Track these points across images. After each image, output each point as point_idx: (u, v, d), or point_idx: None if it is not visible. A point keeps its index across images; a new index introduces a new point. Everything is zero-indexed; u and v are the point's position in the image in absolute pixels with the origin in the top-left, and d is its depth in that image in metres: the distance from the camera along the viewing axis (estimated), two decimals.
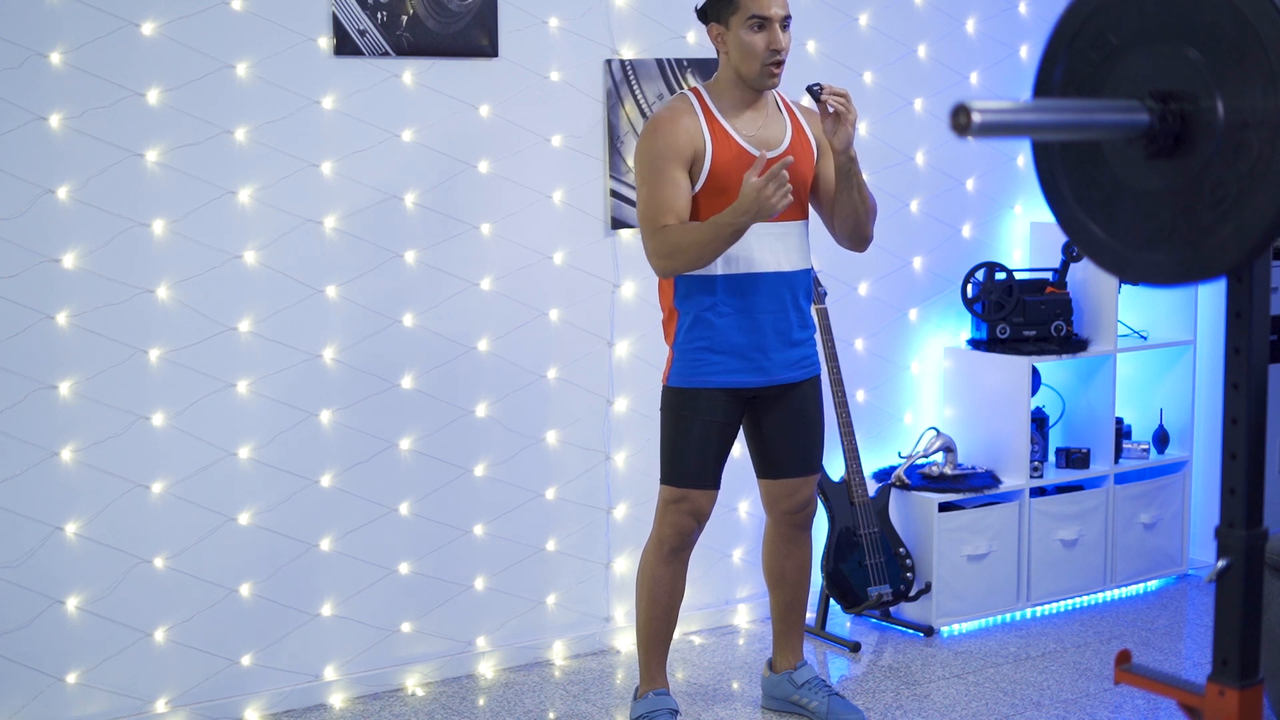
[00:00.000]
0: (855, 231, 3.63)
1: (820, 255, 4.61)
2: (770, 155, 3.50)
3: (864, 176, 3.58)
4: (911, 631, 4.57)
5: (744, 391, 3.61)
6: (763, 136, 3.55)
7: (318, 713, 3.97)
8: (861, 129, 4.73)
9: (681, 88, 4.37)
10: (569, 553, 4.37)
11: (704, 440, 3.59)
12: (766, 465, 3.75)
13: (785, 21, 3.48)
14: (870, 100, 4.74)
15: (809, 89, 3.48)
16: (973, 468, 4.75)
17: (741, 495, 4.59)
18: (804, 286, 3.65)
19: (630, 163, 4.29)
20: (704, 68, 4.38)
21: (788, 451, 3.71)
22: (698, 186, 3.50)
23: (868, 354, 4.84)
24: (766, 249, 3.54)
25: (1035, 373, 4.75)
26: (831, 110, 3.45)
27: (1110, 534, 4.91)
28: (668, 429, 3.63)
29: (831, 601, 4.55)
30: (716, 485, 3.65)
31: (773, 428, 3.69)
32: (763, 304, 3.56)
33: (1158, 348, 5.02)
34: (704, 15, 3.57)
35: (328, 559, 4.01)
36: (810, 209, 3.72)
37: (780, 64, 3.49)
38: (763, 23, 3.45)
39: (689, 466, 3.60)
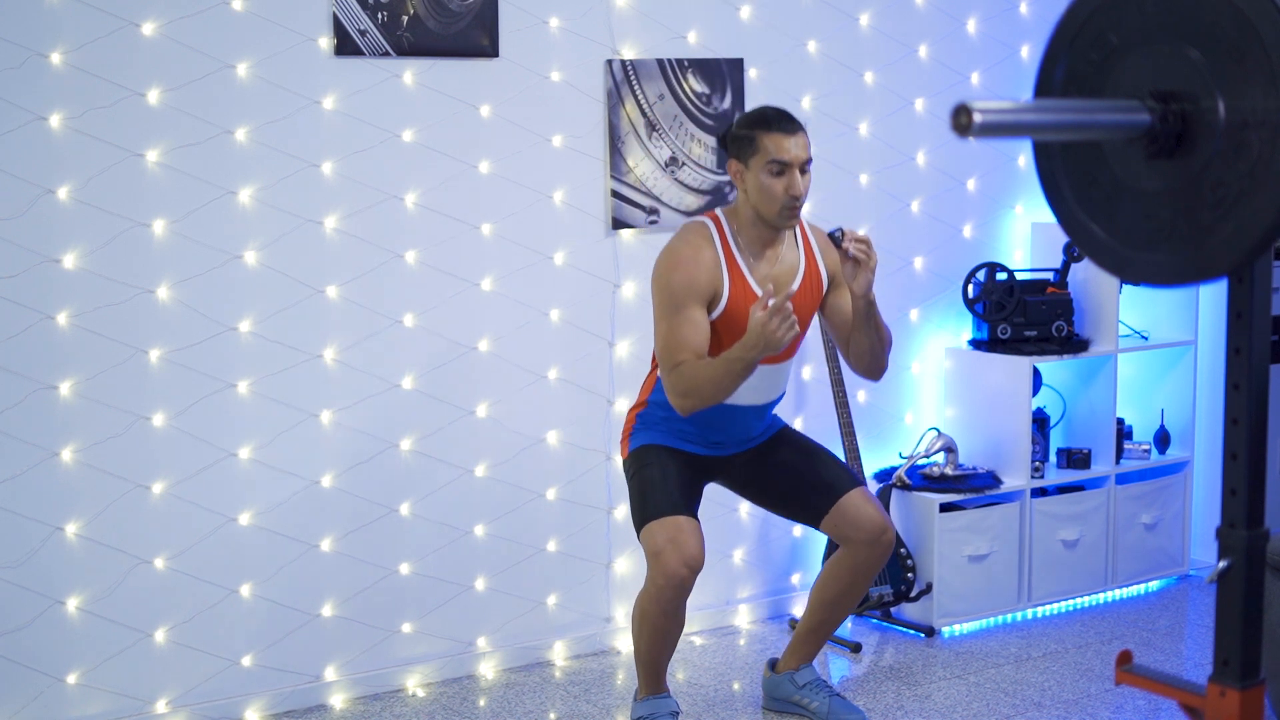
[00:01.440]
0: (870, 366, 3.63)
1: None
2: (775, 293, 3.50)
3: (882, 318, 3.59)
4: (912, 632, 4.56)
5: (705, 459, 3.66)
6: (776, 275, 3.55)
7: (318, 713, 3.97)
8: (862, 129, 4.73)
9: (681, 88, 4.37)
10: (569, 553, 4.36)
11: (675, 475, 3.57)
12: (811, 504, 3.70)
13: (805, 165, 3.48)
14: (870, 100, 4.74)
15: (830, 235, 3.48)
16: (974, 468, 4.74)
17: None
18: (776, 405, 3.72)
19: (631, 162, 4.29)
20: (704, 67, 4.38)
21: (815, 477, 3.69)
22: (713, 316, 3.52)
23: None
24: (751, 386, 3.54)
25: (1036, 373, 4.74)
26: (852, 256, 3.45)
27: (1111, 534, 4.91)
28: (635, 483, 3.60)
29: None
30: (694, 514, 3.55)
31: (780, 473, 3.71)
32: (734, 425, 3.64)
33: (1159, 348, 5.02)
34: (723, 145, 3.59)
35: (328, 559, 4.01)
36: (808, 338, 3.75)
37: (799, 206, 3.49)
38: (783, 168, 3.45)
39: (661, 498, 3.53)
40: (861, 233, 3.49)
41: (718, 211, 3.61)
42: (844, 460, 4.44)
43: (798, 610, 4.69)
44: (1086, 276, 4.88)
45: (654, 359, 3.67)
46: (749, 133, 3.47)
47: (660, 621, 3.56)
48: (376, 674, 4.09)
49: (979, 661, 4.33)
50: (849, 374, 4.59)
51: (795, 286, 3.56)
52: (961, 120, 1.65)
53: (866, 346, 3.57)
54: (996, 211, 5.06)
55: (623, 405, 4.39)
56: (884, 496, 4.54)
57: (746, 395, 3.56)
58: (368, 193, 3.97)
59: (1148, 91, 1.84)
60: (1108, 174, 1.93)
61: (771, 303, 3.25)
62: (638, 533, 3.55)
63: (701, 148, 4.42)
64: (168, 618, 3.81)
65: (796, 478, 3.71)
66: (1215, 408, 5.04)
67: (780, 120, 3.46)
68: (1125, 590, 4.98)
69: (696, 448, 3.64)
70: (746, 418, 3.65)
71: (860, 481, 3.75)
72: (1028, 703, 3.99)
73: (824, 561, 4.17)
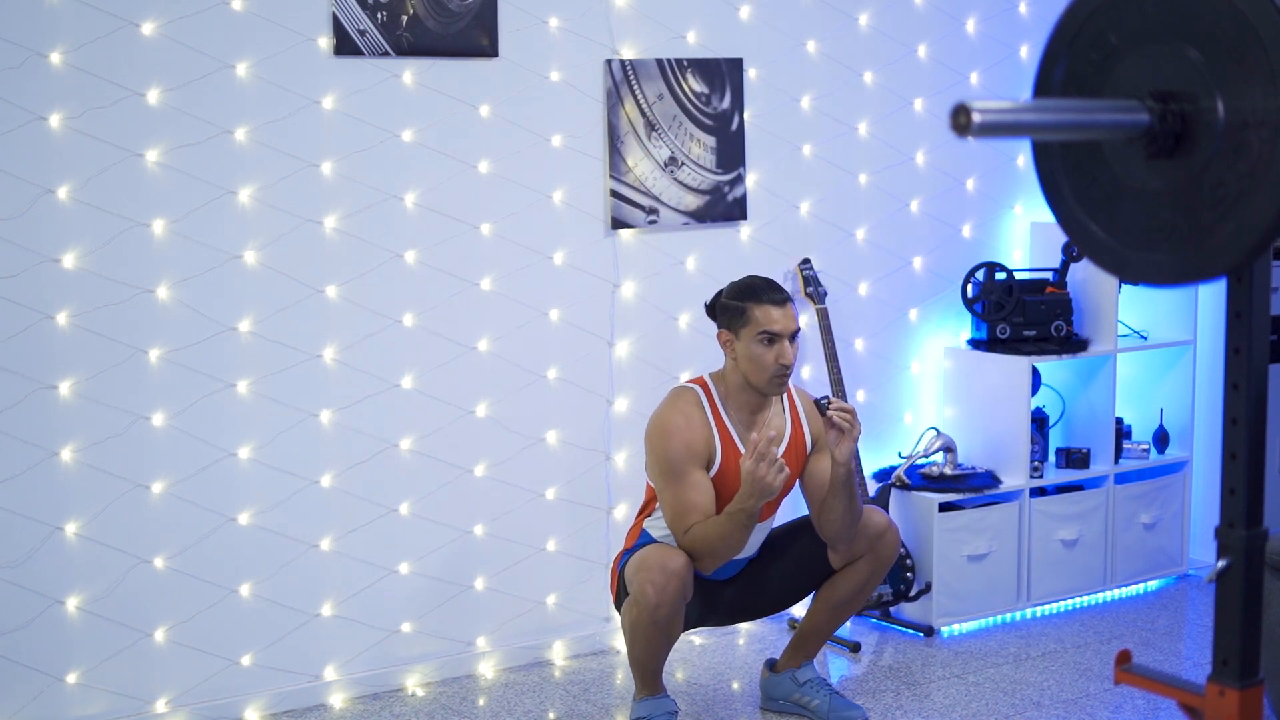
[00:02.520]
0: (838, 533, 3.66)
1: (820, 255, 4.62)
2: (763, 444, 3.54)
3: (856, 486, 3.62)
4: (912, 631, 4.56)
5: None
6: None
7: (318, 713, 3.97)
8: (862, 129, 4.73)
9: (681, 88, 4.37)
10: (569, 553, 4.37)
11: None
12: (806, 565, 3.78)
13: (794, 335, 3.56)
14: (870, 100, 4.74)
15: (816, 402, 3.57)
16: (973, 468, 4.74)
17: None
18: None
19: (630, 162, 4.29)
20: (704, 68, 4.38)
21: (798, 534, 3.76)
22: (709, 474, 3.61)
23: (868, 354, 4.83)
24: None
25: (1035, 373, 4.74)
26: (836, 424, 3.51)
27: (1110, 534, 4.91)
28: (634, 556, 3.63)
29: None
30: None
31: (762, 572, 3.76)
32: (717, 573, 3.68)
33: (1158, 348, 5.02)
34: (712, 315, 3.66)
35: (328, 559, 4.01)
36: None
37: (788, 374, 3.57)
38: (773, 338, 3.53)
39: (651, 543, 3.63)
40: (847, 403, 3.56)
41: (705, 378, 3.70)
42: None
43: (797, 610, 4.69)
44: (1086, 276, 4.88)
45: (640, 512, 3.78)
46: (739, 304, 3.58)
47: (652, 632, 3.57)
48: (376, 674, 4.09)
49: (978, 661, 4.33)
50: (848, 374, 4.60)
51: (780, 451, 3.63)
52: (961, 120, 1.65)
53: (839, 513, 3.61)
54: (996, 211, 5.07)
55: (622, 404, 4.39)
56: (883, 496, 4.55)
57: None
58: (368, 193, 3.97)
59: (1147, 91, 1.84)
60: (1107, 174, 1.93)
61: (758, 450, 3.34)
62: (618, 602, 3.68)
63: (700, 147, 4.42)
64: (167, 617, 3.81)
65: (785, 554, 3.77)
66: (1214, 407, 5.04)
67: (769, 291, 3.57)
68: (1124, 590, 4.98)
69: None
70: (728, 568, 3.73)
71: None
72: (1027, 702, 3.99)
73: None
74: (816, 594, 3.86)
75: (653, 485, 3.66)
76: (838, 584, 3.78)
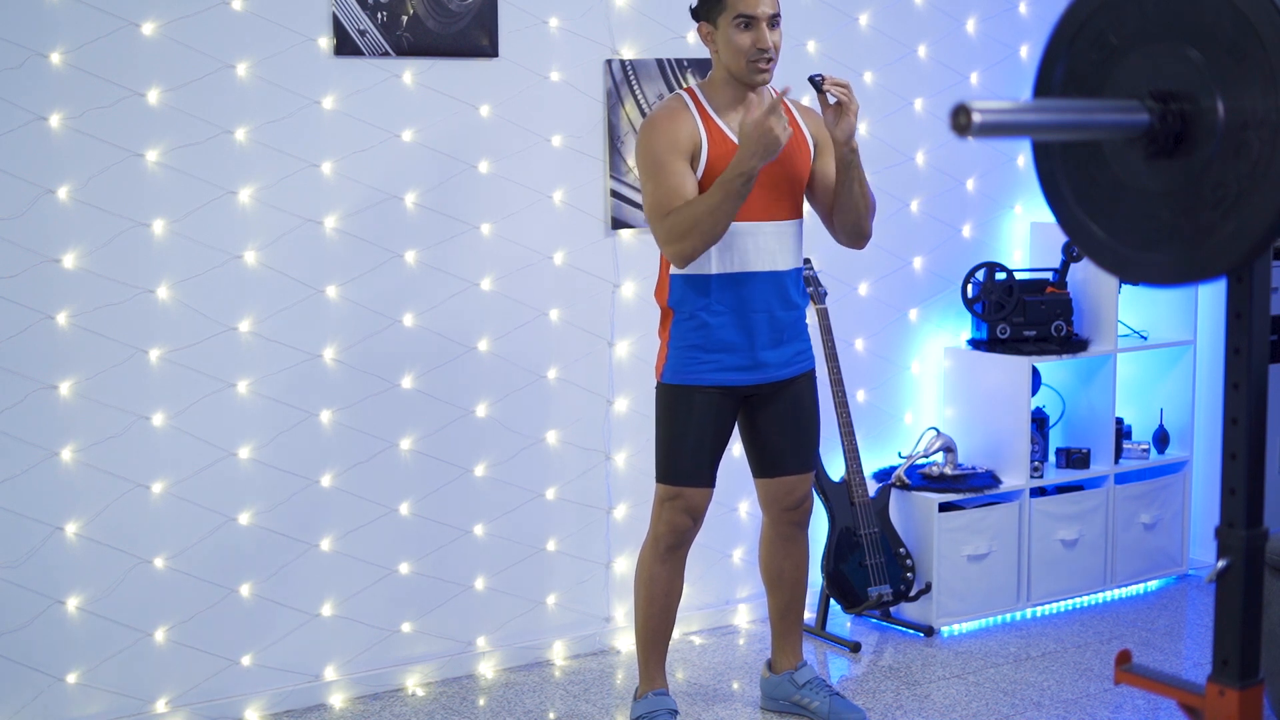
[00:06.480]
0: (855, 227, 3.63)
1: (820, 255, 4.62)
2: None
3: (865, 173, 3.59)
4: (912, 631, 4.56)
5: (739, 390, 3.61)
6: None
7: (318, 713, 3.97)
8: (862, 129, 4.73)
9: (681, 88, 4.36)
10: (569, 553, 4.37)
11: (699, 438, 3.59)
12: (763, 464, 3.75)
13: (773, 20, 3.47)
14: (870, 100, 4.74)
15: (811, 79, 3.48)
16: (973, 468, 4.75)
17: (741, 495, 4.59)
18: (796, 284, 3.65)
19: (631, 162, 4.29)
20: (704, 68, 4.38)
21: (784, 450, 3.71)
22: (696, 176, 3.50)
23: (868, 354, 4.83)
24: (761, 248, 3.54)
25: (1035, 373, 4.74)
26: (833, 101, 3.46)
27: (1110, 534, 4.91)
28: (662, 426, 3.63)
29: (832, 601, 4.55)
30: (711, 483, 3.65)
31: (769, 426, 3.69)
32: (756, 303, 3.57)
33: (1158, 348, 5.02)
34: (695, 14, 3.58)
35: (328, 559, 4.01)
36: (806, 208, 3.73)
37: (768, 61, 3.48)
38: (749, 21, 3.45)
39: (684, 465, 3.60)
40: (841, 78, 3.49)
41: (692, 84, 3.65)
42: (844, 459, 4.45)
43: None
44: (1086, 276, 4.88)
45: (663, 260, 3.64)
46: None
47: (656, 569, 3.65)
48: (376, 673, 4.09)
49: (978, 661, 4.33)
50: (848, 374, 4.59)
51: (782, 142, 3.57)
52: (961, 120, 1.65)
53: (850, 205, 3.57)
54: (996, 211, 5.07)
55: (622, 405, 4.39)
56: (883, 496, 4.55)
57: (759, 260, 3.54)
58: (368, 193, 3.97)
59: (1147, 91, 1.85)
60: (1108, 174, 1.93)
61: (768, 103, 3.26)
62: (655, 472, 3.69)
63: None
64: (168, 618, 3.81)
65: (777, 434, 3.71)
66: (1214, 407, 5.04)
67: None
68: (1124, 590, 4.98)
69: (728, 373, 3.58)
70: (767, 298, 3.58)
71: (811, 468, 3.79)
72: (1027, 702, 3.99)
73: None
74: (765, 586, 3.91)
75: (642, 192, 3.56)
76: (767, 561, 3.87)
